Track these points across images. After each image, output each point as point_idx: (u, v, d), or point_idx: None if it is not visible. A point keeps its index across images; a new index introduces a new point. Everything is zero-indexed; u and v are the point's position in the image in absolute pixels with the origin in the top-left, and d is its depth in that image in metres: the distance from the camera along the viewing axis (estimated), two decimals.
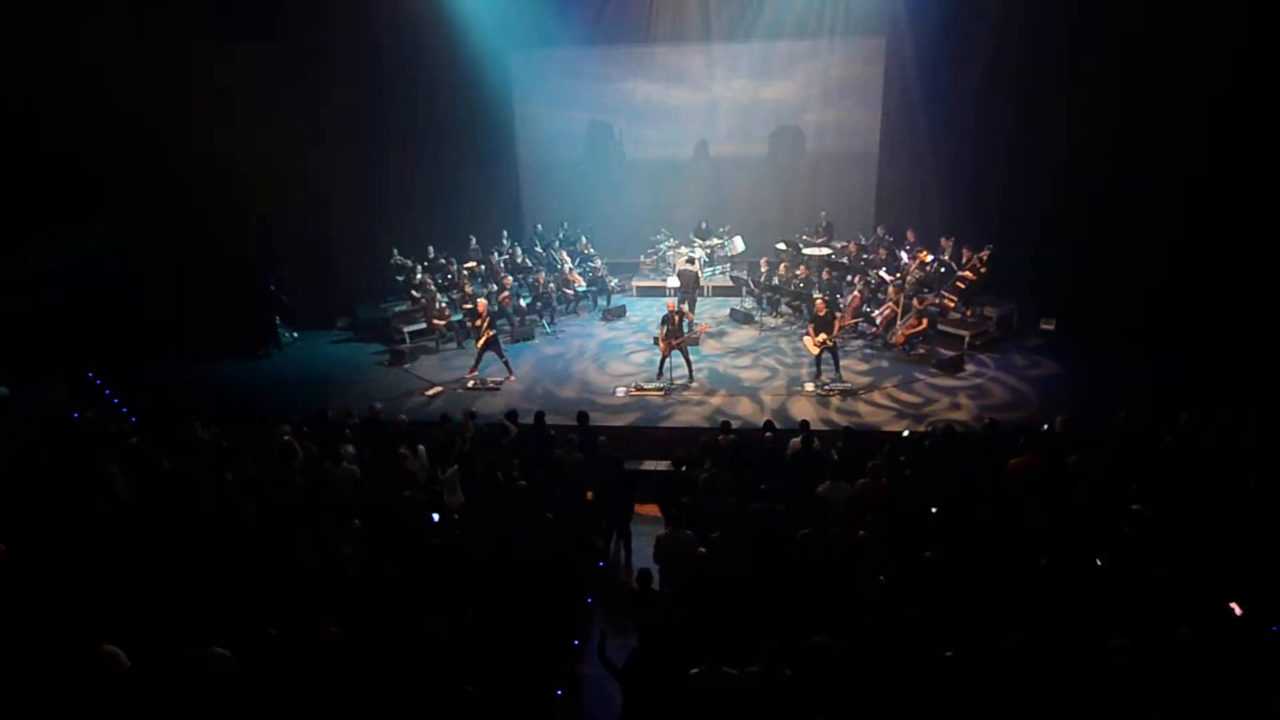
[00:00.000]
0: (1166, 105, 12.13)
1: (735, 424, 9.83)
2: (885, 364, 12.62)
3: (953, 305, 13.24)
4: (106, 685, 5.66)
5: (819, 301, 12.17)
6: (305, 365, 14.02)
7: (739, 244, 16.62)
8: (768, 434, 9.26)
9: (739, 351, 13.43)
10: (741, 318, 14.76)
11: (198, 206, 13.41)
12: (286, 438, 9.37)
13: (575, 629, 7.61)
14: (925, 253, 13.80)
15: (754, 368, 12.77)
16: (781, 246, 15.70)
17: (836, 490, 7.87)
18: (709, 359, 13.08)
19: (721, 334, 14.20)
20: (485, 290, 14.36)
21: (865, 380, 12.06)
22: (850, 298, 13.65)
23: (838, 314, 12.61)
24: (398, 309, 14.80)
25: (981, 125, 14.31)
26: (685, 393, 11.91)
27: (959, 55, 14.37)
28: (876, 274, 14.04)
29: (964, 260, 13.39)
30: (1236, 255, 11.62)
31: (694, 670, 5.49)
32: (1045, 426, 9.35)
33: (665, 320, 11.90)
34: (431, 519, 7.95)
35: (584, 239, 16.44)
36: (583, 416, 9.80)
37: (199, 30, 12.55)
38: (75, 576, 6.70)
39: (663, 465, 9.95)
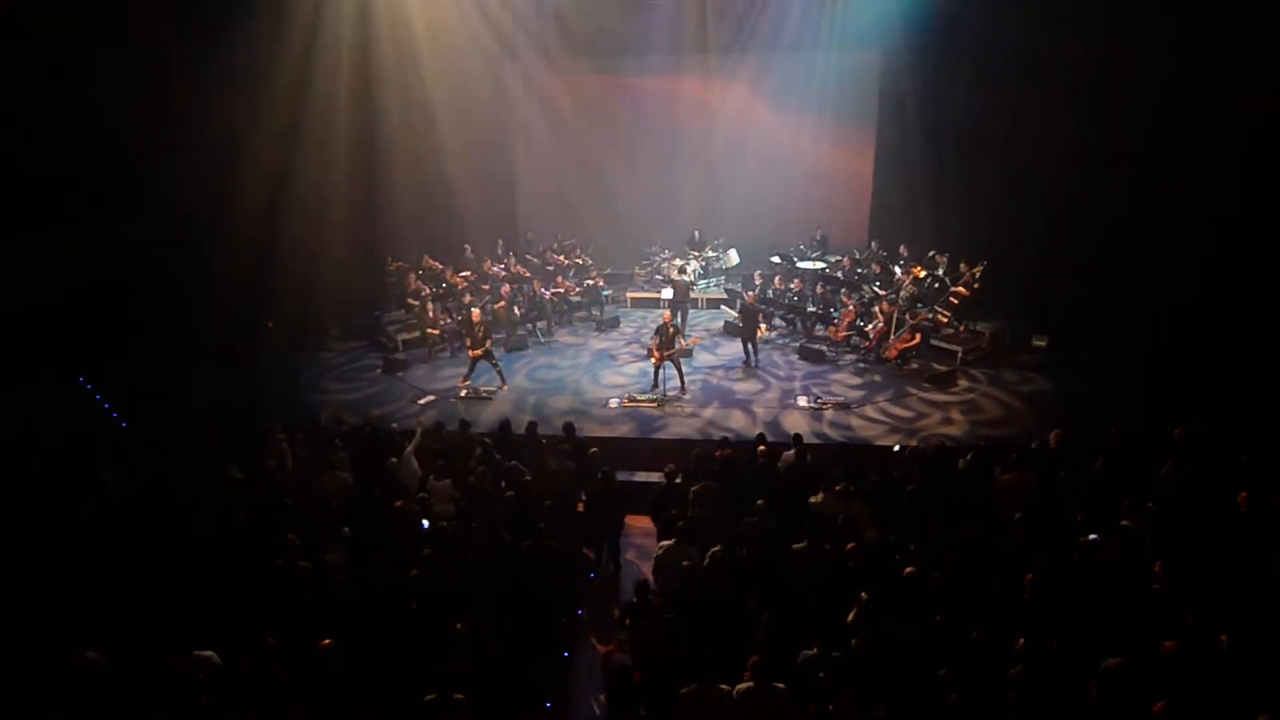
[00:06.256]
0: (1160, 122, 12.22)
1: (727, 437, 9.84)
2: (878, 378, 12.65)
3: (946, 320, 13.29)
4: (86, 691, 5.61)
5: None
6: (298, 372, 13.96)
7: (734, 257, 16.69)
8: (760, 447, 9.25)
9: (731, 364, 13.46)
10: (735, 330, 14.78)
11: (192, 210, 13.38)
12: (282, 444, 9.35)
13: (565, 640, 7.57)
14: (919, 268, 13.87)
15: (747, 380, 12.79)
16: (776, 260, 15.77)
17: (829, 504, 7.87)
18: (701, 371, 13.10)
19: (715, 346, 14.26)
20: (480, 299, 14.35)
21: (858, 394, 12.08)
22: (843, 312, 13.71)
23: (831, 326, 12.73)
24: (391, 317, 14.77)
25: (976, 141, 14.39)
26: (678, 404, 11.91)
27: (953, 72, 14.48)
28: (870, 289, 14.09)
29: (957, 276, 13.45)
30: (1230, 272, 11.68)
31: (685, 689, 5.47)
32: (1034, 444, 9.35)
33: (659, 331, 11.92)
34: (421, 527, 7.93)
35: (579, 249, 16.48)
36: (569, 428, 9.79)
37: (198, 33, 12.56)
38: (61, 580, 6.66)
39: (655, 477, 9.94)
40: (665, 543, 7.47)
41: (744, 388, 12.50)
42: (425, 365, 13.84)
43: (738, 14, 15.81)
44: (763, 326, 13.56)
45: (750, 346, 13.25)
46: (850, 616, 6.24)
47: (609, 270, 16.61)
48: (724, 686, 5.48)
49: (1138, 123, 12.40)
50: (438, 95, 15.97)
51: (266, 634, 5.93)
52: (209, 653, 5.71)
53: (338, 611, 6.41)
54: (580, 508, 8.75)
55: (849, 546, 7.00)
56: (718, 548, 7.19)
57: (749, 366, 13.20)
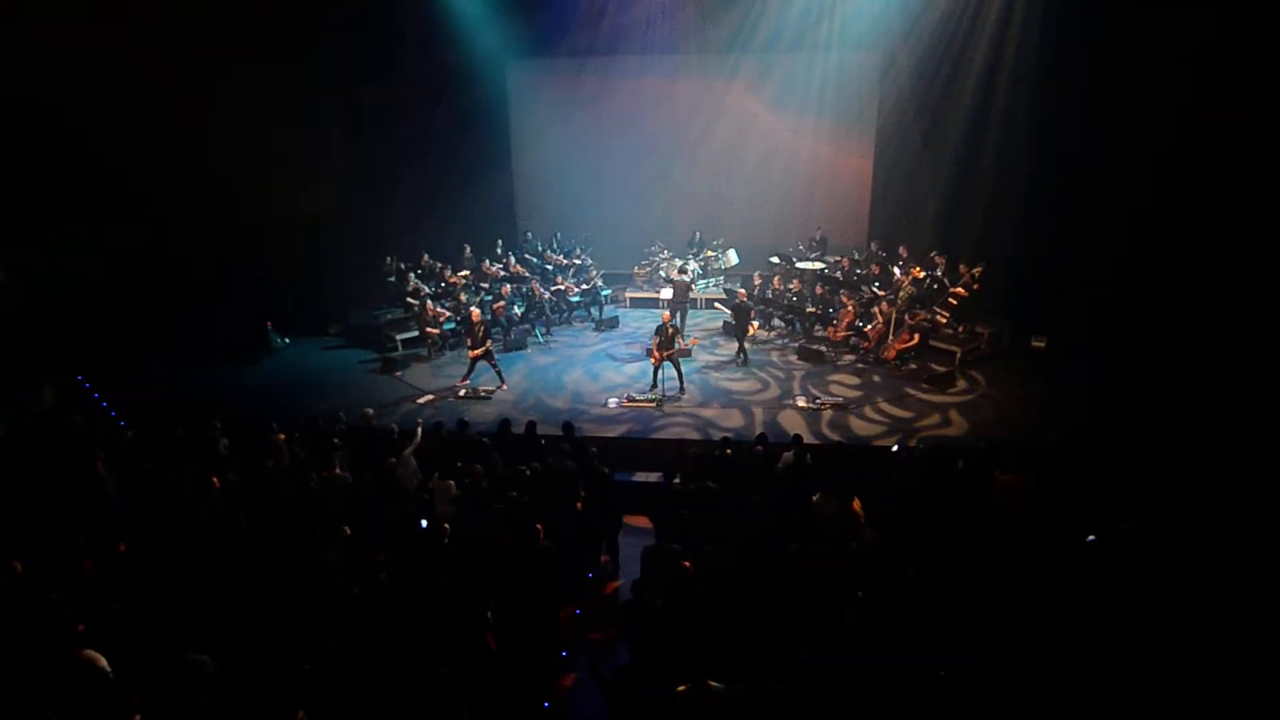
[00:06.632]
0: (1161, 122, 12.22)
1: (727, 437, 9.85)
2: (877, 379, 12.66)
3: (945, 321, 13.30)
4: (85, 691, 5.61)
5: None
6: (296, 371, 13.98)
7: (733, 257, 16.70)
8: (759, 447, 9.27)
9: (728, 363, 13.47)
10: (732, 329, 14.79)
11: (190, 212, 13.41)
12: (281, 444, 9.36)
13: (563, 639, 7.58)
14: (918, 269, 13.88)
15: (746, 380, 12.80)
16: (775, 260, 15.78)
17: (828, 504, 7.87)
18: (700, 370, 13.12)
19: (715, 346, 14.27)
20: (478, 299, 14.37)
21: (857, 395, 12.10)
22: (842, 313, 13.72)
23: (830, 327, 12.74)
24: (390, 316, 14.78)
25: (974, 142, 14.41)
26: (677, 404, 11.92)
27: (953, 73, 14.48)
28: (869, 289, 14.10)
29: (956, 277, 13.46)
30: (1230, 272, 11.68)
31: (682, 688, 5.48)
32: (1033, 444, 9.36)
33: (659, 331, 11.94)
34: (419, 526, 7.94)
35: (579, 249, 16.49)
36: (568, 427, 9.80)
37: (198, 33, 12.57)
38: (60, 580, 6.66)
39: (654, 476, 9.96)
40: (657, 542, 7.47)
41: (743, 388, 12.51)
42: (423, 364, 13.86)
43: (738, 14, 15.81)
44: (754, 324, 13.60)
45: (741, 344, 13.36)
46: (849, 617, 6.24)
47: (605, 273, 16.59)
48: (720, 686, 5.48)
49: (1138, 122, 12.41)
50: (439, 91, 15.98)
51: (266, 635, 5.93)
52: (203, 656, 5.71)
53: (338, 611, 6.41)
54: (580, 508, 8.75)
55: (852, 546, 7.00)
56: (714, 548, 7.19)
57: (740, 364, 13.26)
